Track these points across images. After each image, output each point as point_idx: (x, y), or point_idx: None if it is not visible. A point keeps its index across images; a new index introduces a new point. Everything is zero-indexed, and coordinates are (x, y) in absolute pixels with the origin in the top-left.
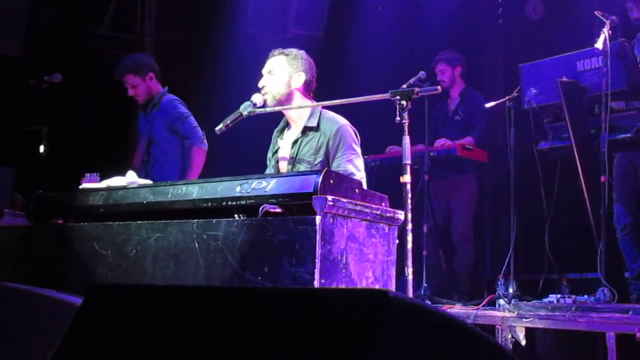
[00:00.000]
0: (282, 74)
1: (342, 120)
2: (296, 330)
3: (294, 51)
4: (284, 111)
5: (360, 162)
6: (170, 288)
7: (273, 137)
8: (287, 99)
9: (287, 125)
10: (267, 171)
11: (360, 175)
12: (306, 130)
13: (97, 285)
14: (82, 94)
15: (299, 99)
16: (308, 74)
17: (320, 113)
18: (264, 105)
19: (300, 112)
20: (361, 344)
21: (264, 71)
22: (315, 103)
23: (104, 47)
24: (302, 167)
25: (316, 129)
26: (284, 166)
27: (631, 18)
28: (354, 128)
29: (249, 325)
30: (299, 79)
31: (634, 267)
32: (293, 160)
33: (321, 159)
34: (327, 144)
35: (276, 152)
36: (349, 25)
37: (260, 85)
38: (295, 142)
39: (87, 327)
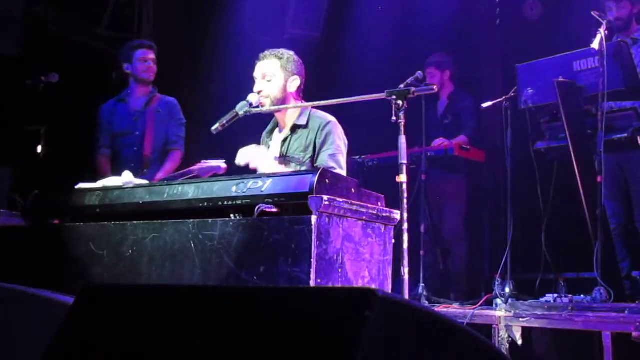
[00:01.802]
0: (278, 80)
1: (329, 118)
2: (284, 329)
3: (285, 53)
4: (275, 113)
5: (342, 159)
6: (160, 288)
7: (262, 139)
8: (282, 103)
9: (277, 126)
10: None
11: (340, 172)
12: (295, 128)
13: (88, 285)
14: (80, 94)
15: (292, 101)
16: (301, 76)
17: (310, 112)
18: (260, 105)
19: (291, 113)
20: (348, 343)
21: (257, 75)
22: (312, 103)
23: (101, 47)
24: (292, 165)
25: (305, 126)
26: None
27: (609, 18)
28: (340, 127)
29: (239, 324)
30: (294, 83)
31: (623, 266)
32: (283, 159)
33: (310, 156)
34: (315, 139)
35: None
36: (347, 26)
37: (256, 90)
38: (284, 140)
39: (77, 328)
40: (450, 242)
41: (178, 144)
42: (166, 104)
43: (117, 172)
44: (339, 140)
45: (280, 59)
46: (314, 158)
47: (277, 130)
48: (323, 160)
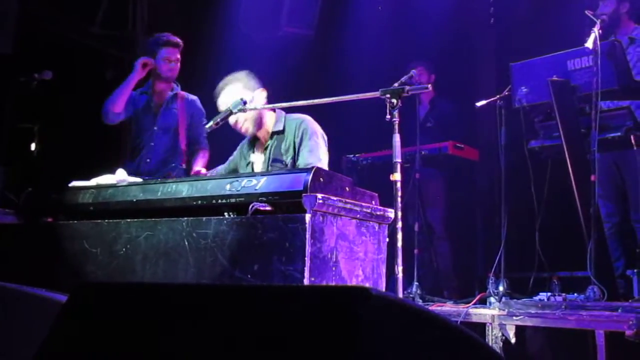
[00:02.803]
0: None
1: (302, 116)
2: (277, 328)
3: (240, 74)
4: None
5: (320, 152)
6: (154, 286)
7: (243, 149)
8: (260, 117)
9: (257, 139)
10: (231, 159)
11: (321, 164)
12: (274, 134)
13: (81, 283)
14: (73, 91)
15: (267, 112)
16: (263, 87)
17: (285, 117)
18: (245, 132)
19: (268, 123)
20: (341, 342)
21: (223, 105)
22: (305, 102)
23: (95, 45)
24: (275, 167)
25: (282, 131)
26: (259, 167)
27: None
28: (314, 122)
29: (232, 322)
30: (261, 97)
31: (617, 265)
32: (267, 163)
33: (291, 157)
34: (294, 140)
35: (249, 163)
36: (341, 24)
37: (232, 122)
38: (266, 148)
39: (70, 326)
40: (434, 241)
41: (204, 144)
42: (190, 103)
43: (134, 165)
44: (315, 136)
45: (239, 80)
46: (295, 158)
47: (256, 144)
48: (303, 157)
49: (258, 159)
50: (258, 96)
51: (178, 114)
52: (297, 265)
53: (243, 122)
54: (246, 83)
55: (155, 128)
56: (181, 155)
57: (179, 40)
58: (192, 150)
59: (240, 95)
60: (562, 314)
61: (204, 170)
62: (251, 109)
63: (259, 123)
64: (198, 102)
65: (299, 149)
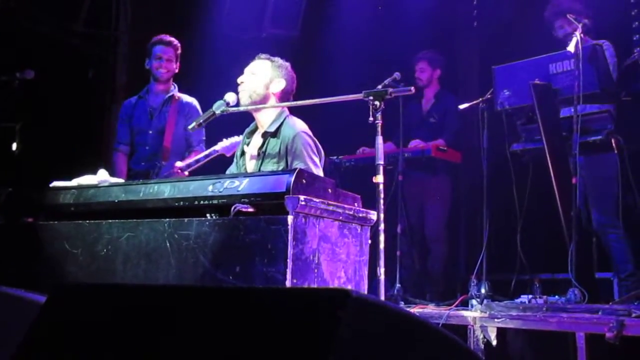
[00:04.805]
0: (263, 76)
1: (299, 127)
2: (257, 329)
3: (280, 60)
4: (253, 114)
5: (316, 171)
6: (135, 287)
7: (243, 137)
8: (261, 101)
9: (257, 128)
10: (232, 169)
11: None
12: (266, 135)
13: (60, 284)
14: (56, 90)
15: (273, 102)
16: (288, 84)
17: (285, 119)
18: (237, 104)
19: (267, 117)
20: (321, 344)
21: (246, 70)
22: (289, 103)
23: (78, 44)
24: (267, 160)
25: (275, 135)
26: (251, 165)
27: (559, 36)
28: (312, 136)
29: (213, 323)
30: (278, 84)
31: (626, 267)
32: (259, 166)
33: (283, 165)
34: (286, 153)
35: (243, 154)
36: (326, 25)
37: (239, 81)
38: (261, 146)
39: (48, 328)
40: (430, 243)
41: (200, 147)
42: (185, 106)
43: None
44: (312, 152)
45: (272, 61)
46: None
47: (258, 130)
48: None
49: (251, 152)
50: (275, 84)
51: (168, 116)
52: (279, 267)
53: (249, 82)
54: (275, 66)
55: (150, 132)
56: (162, 151)
57: (172, 39)
58: (189, 151)
59: (261, 68)
60: (543, 316)
61: (179, 164)
62: (234, 111)
63: (260, 100)
64: (194, 104)
65: (291, 163)
